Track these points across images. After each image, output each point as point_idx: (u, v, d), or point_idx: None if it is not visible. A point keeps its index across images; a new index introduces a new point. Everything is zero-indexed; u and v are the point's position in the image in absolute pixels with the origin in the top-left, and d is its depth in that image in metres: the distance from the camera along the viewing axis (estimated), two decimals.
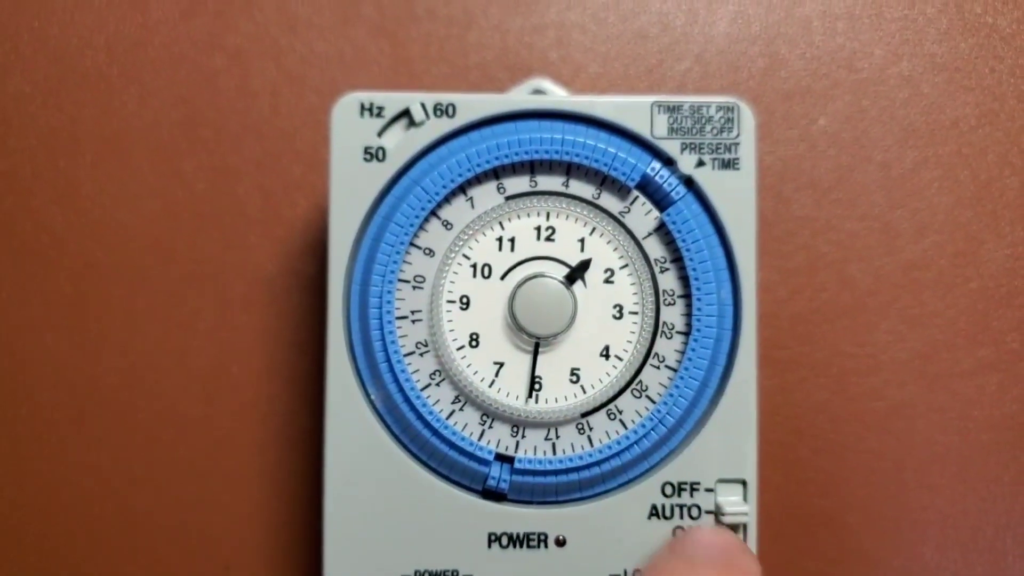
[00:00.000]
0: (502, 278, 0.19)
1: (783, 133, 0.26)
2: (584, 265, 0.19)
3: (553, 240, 0.20)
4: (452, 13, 0.26)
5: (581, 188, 0.20)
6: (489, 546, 0.19)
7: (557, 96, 0.23)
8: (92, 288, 0.26)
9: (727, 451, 0.19)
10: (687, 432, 0.19)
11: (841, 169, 0.26)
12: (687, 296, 0.19)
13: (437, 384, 0.19)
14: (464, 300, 0.19)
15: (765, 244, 0.25)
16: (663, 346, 0.19)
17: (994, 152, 0.26)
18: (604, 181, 0.20)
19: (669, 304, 0.19)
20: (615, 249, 0.20)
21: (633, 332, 0.20)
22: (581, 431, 0.19)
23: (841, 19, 0.26)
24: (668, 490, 0.19)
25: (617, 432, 0.19)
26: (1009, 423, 0.25)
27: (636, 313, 0.20)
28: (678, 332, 0.19)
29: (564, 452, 0.19)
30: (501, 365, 0.19)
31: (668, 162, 0.20)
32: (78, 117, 0.26)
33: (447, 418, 0.19)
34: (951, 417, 0.25)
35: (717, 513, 0.19)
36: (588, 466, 0.19)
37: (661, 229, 0.20)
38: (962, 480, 0.25)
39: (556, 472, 0.19)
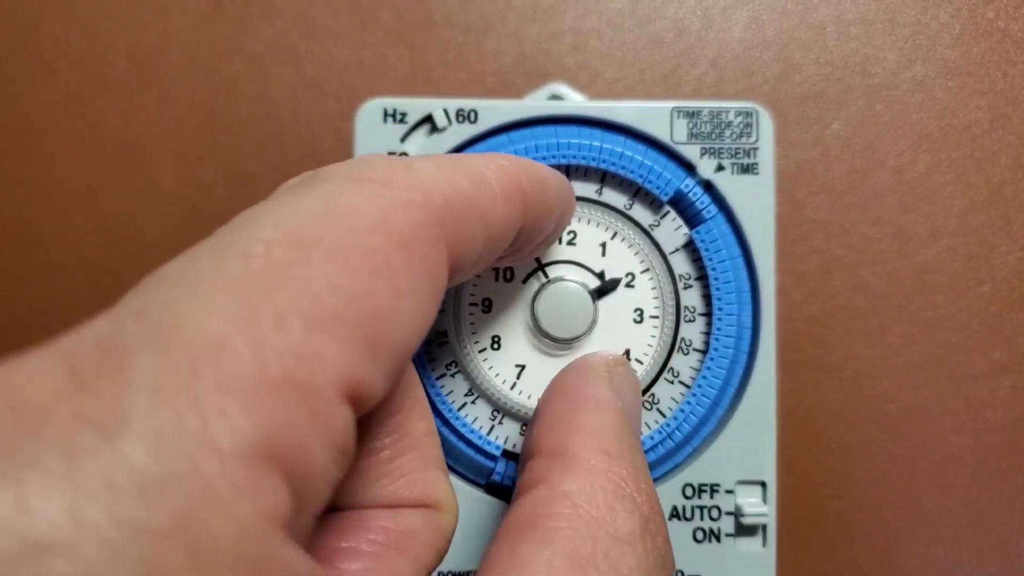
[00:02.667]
0: (524, 281, 0.20)
1: (797, 137, 0.26)
2: (614, 283, 0.20)
3: (575, 244, 0.20)
4: (469, 20, 0.26)
5: (614, 197, 0.20)
6: None
7: (575, 101, 0.23)
8: (114, 294, 0.26)
9: (747, 453, 0.19)
10: (707, 435, 0.20)
11: (855, 173, 0.26)
12: (708, 315, 0.20)
13: (452, 375, 0.20)
14: (486, 303, 0.20)
15: (780, 247, 0.25)
16: (679, 362, 0.20)
17: (1007, 156, 0.26)
18: (637, 193, 0.20)
19: (689, 321, 0.20)
20: (636, 254, 0.20)
21: (653, 336, 0.20)
22: None
23: (855, 24, 0.26)
24: (688, 492, 0.19)
25: None
26: (1022, 425, 0.26)
27: (656, 317, 0.20)
28: (695, 349, 0.20)
29: None
30: (523, 368, 0.20)
31: (685, 165, 0.20)
32: (100, 122, 0.27)
33: (459, 409, 0.19)
34: (964, 419, 0.26)
35: (737, 514, 0.19)
36: None
37: (689, 246, 0.20)
38: (976, 482, 0.25)
39: None
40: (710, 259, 0.19)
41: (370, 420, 0.13)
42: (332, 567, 0.12)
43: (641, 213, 0.20)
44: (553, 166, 0.20)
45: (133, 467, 0.08)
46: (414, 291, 0.11)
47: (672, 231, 0.20)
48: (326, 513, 0.13)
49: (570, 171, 0.20)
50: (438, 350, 0.20)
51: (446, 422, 0.19)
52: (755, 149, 0.20)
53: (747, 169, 0.20)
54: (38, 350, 0.09)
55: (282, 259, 0.10)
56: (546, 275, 0.20)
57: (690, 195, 0.20)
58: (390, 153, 0.20)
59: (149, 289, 0.10)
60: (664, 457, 0.19)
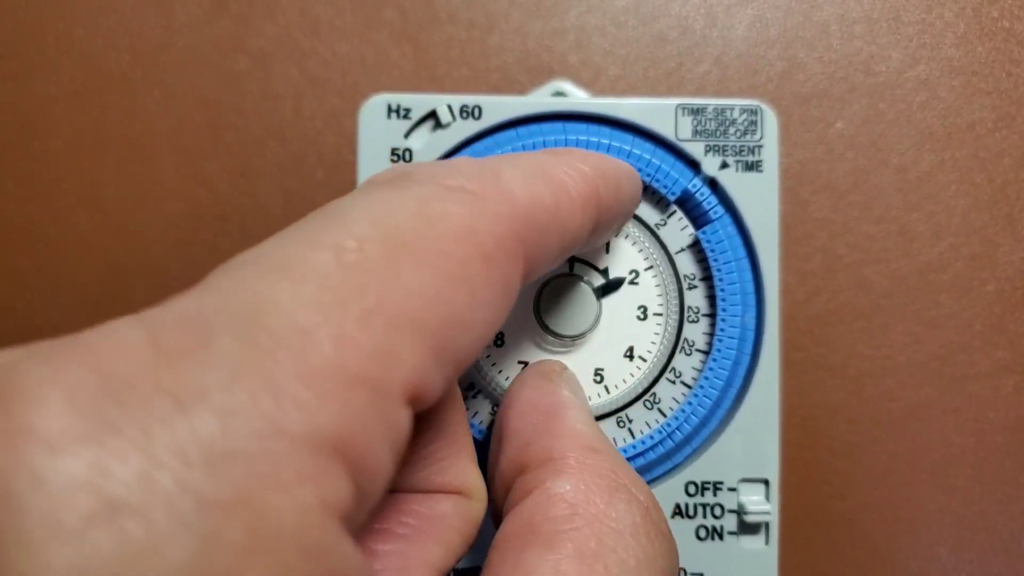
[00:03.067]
0: None
1: (801, 136, 0.26)
2: (618, 282, 0.20)
3: None
4: (473, 17, 0.26)
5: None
6: None
7: (579, 98, 0.23)
8: (116, 290, 0.26)
9: (750, 451, 0.19)
10: (707, 436, 0.20)
11: (858, 172, 0.26)
12: (712, 316, 0.20)
13: None
14: None
15: (783, 246, 0.25)
16: (681, 362, 0.20)
17: (1011, 155, 0.26)
18: (644, 191, 0.20)
19: (693, 321, 0.20)
20: (640, 251, 0.20)
21: (657, 334, 0.20)
22: None
23: (859, 23, 0.26)
24: (691, 489, 0.19)
25: (624, 440, 0.19)
26: None
27: (660, 315, 0.20)
28: (698, 350, 0.20)
29: None
30: (526, 365, 0.20)
31: (692, 164, 0.20)
32: (102, 119, 0.27)
33: None
34: (967, 419, 0.26)
35: (740, 512, 0.19)
36: None
37: (695, 246, 0.20)
38: (978, 482, 0.25)
39: None
40: (715, 260, 0.19)
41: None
42: (365, 547, 0.12)
43: (648, 212, 0.20)
44: None
45: (203, 440, 0.08)
46: (489, 302, 0.11)
47: (678, 231, 0.20)
48: None
49: None
50: None
51: None
52: (759, 147, 0.20)
53: (751, 167, 0.20)
54: (123, 321, 0.09)
55: (374, 258, 0.10)
56: (571, 267, 0.20)
57: (697, 195, 0.20)
58: (393, 149, 0.20)
59: (238, 270, 0.10)
60: (663, 457, 0.19)
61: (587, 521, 0.12)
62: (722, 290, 0.19)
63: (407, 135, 0.20)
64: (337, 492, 0.09)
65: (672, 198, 0.20)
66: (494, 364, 0.20)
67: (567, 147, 0.16)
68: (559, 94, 0.24)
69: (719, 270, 0.19)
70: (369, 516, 0.12)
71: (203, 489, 0.08)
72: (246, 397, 0.08)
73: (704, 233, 0.19)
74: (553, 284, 0.19)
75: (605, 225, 0.15)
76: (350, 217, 0.11)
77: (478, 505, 0.14)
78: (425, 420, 0.13)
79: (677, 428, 0.19)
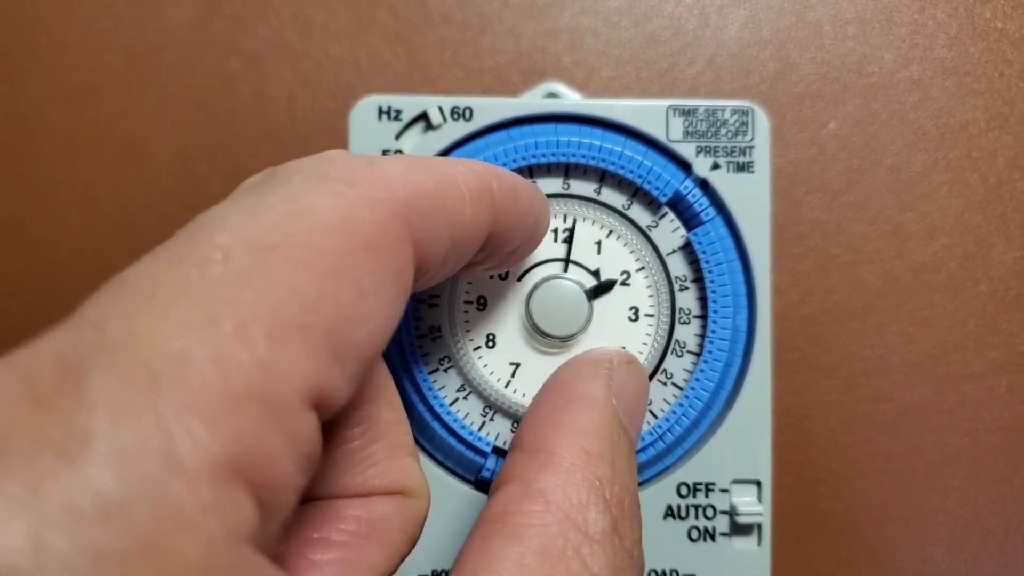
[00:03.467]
0: (519, 279, 0.20)
1: (794, 136, 0.26)
2: (609, 284, 0.20)
3: (570, 242, 0.20)
4: (466, 18, 0.26)
5: (613, 197, 0.20)
6: None
7: (571, 99, 0.23)
8: None
9: (742, 452, 0.19)
10: (698, 438, 0.20)
11: (851, 172, 0.26)
12: (703, 317, 0.20)
13: (445, 370, 0.20)
14: (481, 301, 0.20)
15: (776, 247, 0.25)
16: (672, 364, 0.20)
17: (1004, 156, 0.26)
18: (636, 193, 0.20)
19: (684, 323, 0.20)
20: (631, 252, 0.20)
21: (648, 335, 0.20)
22: None
23: (851, 24, 0.26)
24: (683, 491, 0.19)
25: None
26: (1019, 424, 0.25)
27: (652, 315, 0.20)
28: (689, 352, 0.20)
29: None
30: (517, 366, 0.20)
31: (684, 165, 0.20)
32: (96, 121, 0.27)
33: (450, 405, 0.19)
34: (961, 419, 0.26)
35: (732, 513, 0.19)
36: None
37: (686, 248, 0.20)
38: (972, 481, 0.25)
39: None
40: (707, 262, 0.19)
41: (340, 419, 0.13)
42: (304, 558, 0.12)
43: (639, 213, 0.20)
44: (553, 164, 0.20)
45: (96, 490, 0.07)
46: (379, 292, 0.11)
47: (670, 232, 0.20)
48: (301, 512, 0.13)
49: (569, 169, 0.20)
50: (431, 344, 0.20)
51: (437, 417, 0.19)
52: (751, 147, 0.20)
53: (743, 167, 0.20)
54: None
55: (241, 266, 0.09)
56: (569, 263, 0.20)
57: (689, 197, 0.20)
58: (384, 151, 0.20)
59: (107, 298, 0.09)
60: (655, 459, 0.19)
61: (558, 520, 0.12)
62: (713, 292, 0.19)
63: (398, 136, 0.20)
64: (242, 516, 0.08)
65: (664, 200, 0.20)
66: (485, 365, 0.20)
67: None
68: (552, 95, 0.24)
69: (711, 272, 0.19)
70: (306, 526, 0.12)
71: (101, 543, 0.07)
72: (133, 437, 0.08)
73: (696, 235, 0.19)
74: (544, 285, 0.19)
75: (506, 230, 0.15)
76: (214, 227, 0.10)
77: (421, 502, 0.14)
78: (356, 423, 0.13)
79: (668, 430, 0.19)
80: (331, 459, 0.13)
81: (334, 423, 0.13)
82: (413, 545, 0.13)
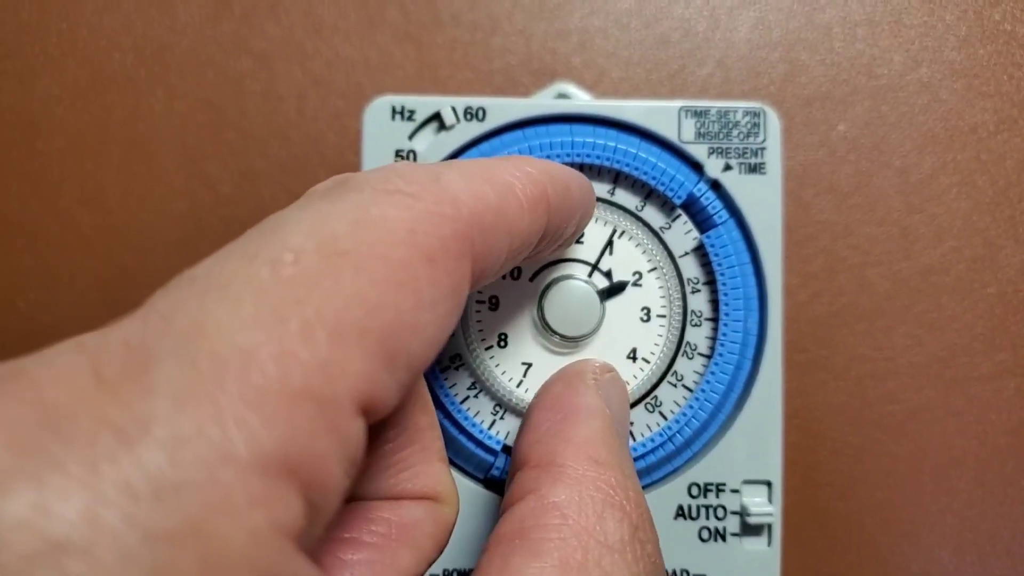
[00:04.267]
0: (531, 279, 0.20)
1: (803, 138, 0.26)
2: (622, 285, 0.20)
3: (581, 242, 0.20)
4: (477, 18, 0.26)
5: (626, 198, 0.20)
6: None
7: (582, 100, 0.23)
8: (118, 290, 0.26)
9: (753, 453, 0.19)
10: (708, 440, 0.20)
11: (860, 174, 0.26)
12: (715, 320, 0.20)
13: (456, 368, 0.20)
14: (493, 301, 0.20)
15: (786, 248, 0.25)
16: (683, 365, 0.20)
17: (1012, 158, 0.26)
18: (650, 194, 0.20)
19: (695, 325, 0.20)
20: (643, 252, 0.20)
21: (660, 335, 0.20)
22: None
23: (861, 26, 0.26)
24: (694, 491, 0.19)
25: (630, 441, 0.19)
26: None
27: (663, 316, 0.20)
28: (700, 354, 0.20)
29: None
30: (529, 366, 0.20)
31: (696, 166, 0.20)
32: (105, 119, 0.27)
33: (461, 403, 0.19)
34: (968, 421, 0.26)
35: (743, 513, 0.19)
36: None
37: (699, 250, 0.20)
38: (979, 484, 0.25)
39: None
40: (719, 264, 0.19)
41: (375, 430, 0.13)
42: (335, 557, 0.12)
43: (653, 215, 0.20)
44: (566, 164, 0.20)
45: (150, 473, 0.08)
46: (436, 304, 0.11)
47: (683, 234, 0.20)
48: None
49: (583, 170, 0.20)
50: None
51: (448, 415, 0.19)
52: (762, 149, 0.20)
53: (754, 169, 0.20)
54: (63, 348, 0.09)
55: (311, 269, 0.10)
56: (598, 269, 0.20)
57: (702, 199, 0.20)
58: (398, 151, 0.20)
59: (177, 291, 0.10)
60: (664, 460, 0.19)
61: (576, 532, 0.12)
62: (725, 295, 0.19)
63: (411, 137, 0.20)
64: (288, 513, 0.09)
65: (678, 202, 0.20)
66: (497, 365, 0.20)
67: (516, 155, 0.16)
68: (562, 96, 0.24)
69: (723, 275, 0.19)
70: (337, 527, 0.12)
71: (151, 523, 0.07)
72: (191, 425, 0.08)
73: (708, 237, 0.19)
74: (557, 285, 0.19)
75: (556, 229, 0.15)
76: (286, 229, 0.10)
77: (449, 509, 0.14)
78: (391, 426, 0.13)
79: (678, 432, 0.19)
80: (366, 462, 0.13)
81: (373, 426, 0.13)
82: (441, 551, 0.13)
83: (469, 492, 0.19)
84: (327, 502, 0.09)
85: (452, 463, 0.20)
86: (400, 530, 0.13)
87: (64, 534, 0.07)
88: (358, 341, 0.10)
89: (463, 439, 0.19)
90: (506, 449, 0.19)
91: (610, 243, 0.20)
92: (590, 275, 0.20)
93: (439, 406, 0.19)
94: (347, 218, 0.11)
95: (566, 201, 0.15)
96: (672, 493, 0.19)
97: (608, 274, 0.20)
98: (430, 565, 0.13)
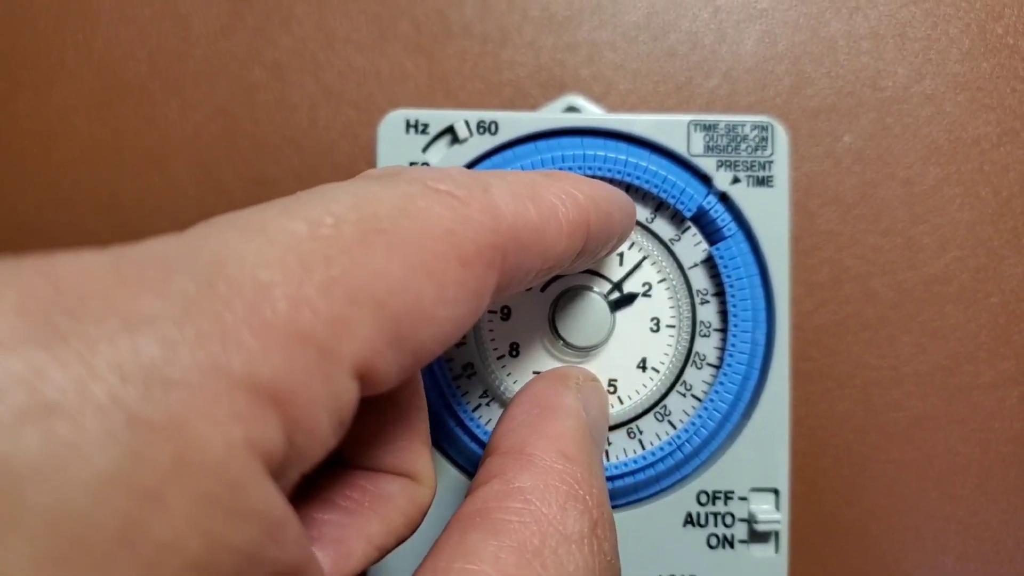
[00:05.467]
0: (542, 290, 0.20)
1: (809, 150, 0.26)
2: (632, 297, 0.20)
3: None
4: (487, 31, 0.27)
5: (637, 211, 0.20)
6: None
7: (591, 113, 0.24)
8: None
9: (760, 461, 0.20)
10: (715, 449, 0.20)
11: (865, 185, 0.26)
12: (723, 331, 0.20)
13: (468, 377, 0.20)
14: (505, 311, 0.20)
15: (791, 258, 0.25)
16: (692, 375, 0.20)
17: (1015, 169, 0.26)
18: (660, 207, 0.20)
19: (704, 336, 0.20)
20: (653, 264, 0.20)
21: (670, 345, 0.20)
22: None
23: (865, 39, 0.27)
24: (703, 498, 0.20)
25: (635, 451, 0.20)
26: None
27: (673, 327, 0.20)
28: (709, 364, 0.20)
29: None
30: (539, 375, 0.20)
31: (704, 179, 0.20)
32: (120, 129, 0.27)
33: (473, 411, 0.20)
34: (972, 429, 0.26)
35: (751, 521, 0.20)
36: (622, 475, 0.20)
37: (708, 262, 0.20)
38: (983, 491, 0.26)
39: None
40: (728, 276, 0.20)
41: (367, 401, 0.14)
42: (307, 513, 0.12)
43: (662, 227, 0.20)
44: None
45: (144, 362, 0.08)
46: (457, 303, 0.11)
47: (692, 246, 0.20)
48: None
49: None
50: (455, 351, 0.20)
51: (460, 423, 0.20)
52: (770, 162, 0.20)
53: (762, 182, 0.20)
54: (93, 251, 0.09)
55: (347, 236, 0.10)
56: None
57: (711, 212, 0.20)
58: (411, 163, 0.20)
59: (215, 226, 0.10)
60: (673, 468, 0.20)
61: (536, 519, 0.12)
62: (734, 306, 0.20)
63: (425, 149, 0.20)
64: (266, 437, 0.09)
65: (688, 215, 0.20)
66: (509, 374, 0.20)
67: (565, 171, 0.16)
68: (572, 109, 0.24)
69: (732, 286, 0.20)
70: (315, 486, 0.13)
71: (135, 407, 0.08)
72: (193, 333, 0.08)
73: (718, 249, 0.20)
74: (568, 295, 0.20)
75: (592, 251, 0.15)
76: (332, 197, 0.11)
77: (425, 491, 0.14)
78: (384, 403, 0.14)
79: (687, 440, 0.20)
80: (353, 432, 0.13)
81: (366, 411, 0.13)
82: (411, 531, 0.14)
83: None
84: (308, 448, 0.10)
85: (463, 469, 0.20)
86: (373, 500, 0.13)
87: (55, 398, 0.07)
88: (373, 311, 0.10)
89: (475, 447, 0.20)
90: None
91: (621, 255, 0.20)
92: (609, 293, 0.20)
93: (451, 414, 0.20)
94: (393, 202, 0.11)
95: (606, 227, 0.15)
96: (681, 501, 0.20)
97: (618, 285, 0.20)
98: (399, 543, 0.13)
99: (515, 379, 0.20)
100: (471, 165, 0.20)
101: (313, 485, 0.13)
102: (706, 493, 0.20)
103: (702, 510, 0.20)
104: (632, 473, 0.19)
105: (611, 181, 0.20)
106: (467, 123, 0.20)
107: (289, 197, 0.11)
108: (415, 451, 0.14)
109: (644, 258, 0.20)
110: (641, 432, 0.20)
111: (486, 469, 0.14)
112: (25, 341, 0.08)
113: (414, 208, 0.11)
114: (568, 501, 0.13)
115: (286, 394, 0.09)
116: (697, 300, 0.20)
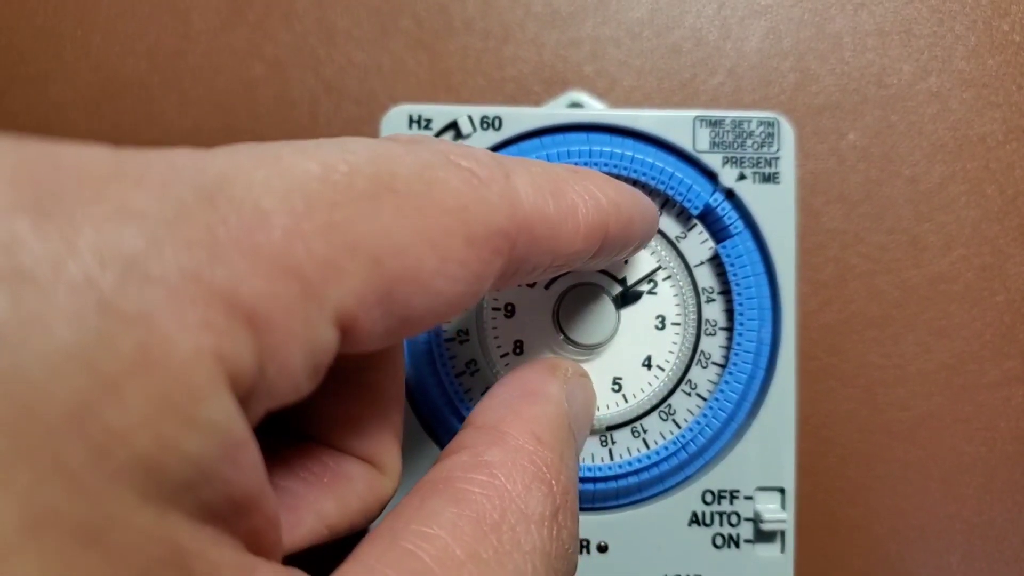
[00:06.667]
0: (547, 287, 0.20)
1: (814, 147, 0.26)
2: (637, 294, 0.20)
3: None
4: (489, 26, 0.26)
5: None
6: None
7: (595, 109, 0.23)
8: None
9: (766, 460, 0.20)
10: (720, 448, 0.20)
11: (870, 183, 0.26)
12: (729, 329, 0.20)
13: (471, 374, 0.20)
14: (509, 308, 0.20)
15: (797, 254, 0.25)
16: (697, 374, 0.20)
17: (1021, 167, 0.26)
18: (666, 203, 0.20)
19: (710, 334, 0.20)
20: (658, 261, 0.20)
21: (675, 343, 0.20)
22: (604, 443, 0.20)
23: (871, 36, 0.27)
24: (708, 498, 0.20)
25: (639, 450, 0.20)
26: None
27: (678, 324, 0.20)
28: (714, 363, 0.20)
29: (602, 460, 0.20)
30: None
31: (710, 175, 0.20)
32: (119, 124, 0.27)
33: None
34: (977, 428, 0.26)
35: (756, 520, 0.19)
36: (627, 475, 0.19)
37: (714, 260, 0.20)
38: (988, 490, 0.26)
39: (596, 480, 0.19)
40: (735, 274, 0.19)
41: (348, 368, 0.13)
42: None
43: (669, 224, 0.20)
44: None
45: (126, 252, 0.08)
46: (456, 280, 0.11)
47: (698, 244, 0.20)
48: (277, 436, 0.13)
49: None
50: (459, 348, 0.20)
51: (462, 419, 0.19)
52: (776, 159, 0.20)
53: (768, 178, 0.20)
54: (101, 144, 0.09)
55: (358, 188, 0.10)
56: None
57: (718, 210, 0.20)
58: None
59: (229, 149, 0.10)
60: (677, 468, 0.20)
61: (499, 494, 0.12)
62: (740, 304, 0.19)
63: None
64: (236, 354, 0.09)
65: (695, 212, 0.20)
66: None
67: (593, 170, 0.16)
68: (575, 105, 0.24)
69: (738, 284, 0.19)
70: (278, 453, 0.12)
71: (108, 293, 0.08)
72: (182, 237, 0.08)
73: (724, 247, 0.20)
74: (573, 292, 0.20)
75: (607, 254, 0.15)
76: (353, 147, 0.11)
77: (388, 483, 0.14)
78: (361, 386, 0.14)
79: (691, 440, 0.19)
80: (323, 407, 0.13)
81: (340, 377, 0.13)
82: (368, 521, 0.13)
83: None
84: (278, 382, 0.09)
85: None
86: (333, 478, 0.13)
87: (30, 266, 0.07)
88: (368, 265, 0.10)
89: None
90: None
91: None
92: (617, 296, 0.20)
93: (453, 411, 0.19)
94: (412, 167, 0.11)
95: (625, 233, 0.15)
96: (686, 500, 0.19)
97: (623, 282, 0.20)
98: (352, 530, 0.13)
99: None
100: None
101: (278, 454, 0.13)
102: (711, 492, 0.20)
103: (707, 509, 0.20)
104: (636, 472, 0.19)
105: (618, 178, 0.20)
106: (470, 118, 0.20)
107: (311, 140, 0.11)
108: (385, 442, 0.14)
109: (658, 268, 0.20)
110: (645, 431, 0.20)
111: (457, 440, 0.14)
112: (11, 208, 0.08)
113: (432, 176, 0.11)
114: (534, 482, 0.13)
115: (263, 319, 0.09)
116: (703, 299, 0.20)
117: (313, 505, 0.12)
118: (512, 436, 0.13)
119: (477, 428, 0.14)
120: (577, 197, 0.13)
